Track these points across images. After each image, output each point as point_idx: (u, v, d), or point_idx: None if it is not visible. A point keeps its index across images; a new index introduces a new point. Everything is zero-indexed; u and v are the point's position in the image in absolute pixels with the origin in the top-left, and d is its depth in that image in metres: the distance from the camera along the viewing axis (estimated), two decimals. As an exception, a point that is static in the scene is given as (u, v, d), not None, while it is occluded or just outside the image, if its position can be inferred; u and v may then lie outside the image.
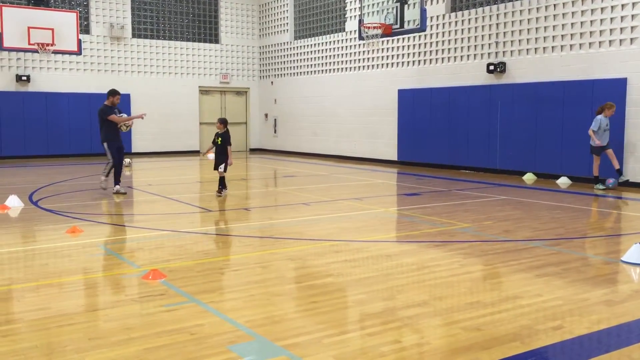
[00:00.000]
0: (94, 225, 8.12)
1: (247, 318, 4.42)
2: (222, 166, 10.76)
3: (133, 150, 21.38)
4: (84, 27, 20.44)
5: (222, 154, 10.82)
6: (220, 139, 10.83)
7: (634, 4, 12.21)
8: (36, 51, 17.23)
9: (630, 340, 4.11)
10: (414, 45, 17.16)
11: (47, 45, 16.84)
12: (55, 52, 17.76)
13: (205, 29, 23.03)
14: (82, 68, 20.54)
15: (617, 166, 11.90)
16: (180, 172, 16.41)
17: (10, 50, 17.52)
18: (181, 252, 6.64)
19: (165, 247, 6.87)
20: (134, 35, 21.50)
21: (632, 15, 12.23)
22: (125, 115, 11.37)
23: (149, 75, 21.80)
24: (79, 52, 18.18)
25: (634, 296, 5.01)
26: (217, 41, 23.23)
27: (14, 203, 9.68)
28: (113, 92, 11.18)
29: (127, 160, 16.01)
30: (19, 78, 19.28)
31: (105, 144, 11.03)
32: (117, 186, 11.13)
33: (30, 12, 17.12)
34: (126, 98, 21.17)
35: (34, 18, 16.89)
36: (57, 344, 3.93)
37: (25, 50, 17.64)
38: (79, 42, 17.90)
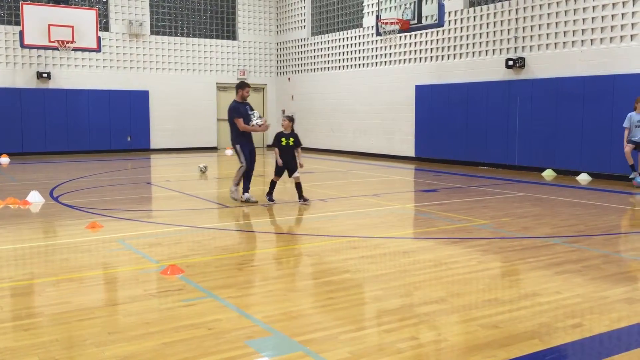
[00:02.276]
0: (114, 221, 8.20)
1: (265, 313, 4.44)
2: (297, 171, 9.55)
3: (151, 147, 21.56)
4: (103, 25, 20.62)
5: (293, 157, 9.53)
6: (291, 139, 9.51)
7: (656, -2, 12.01)
8: (56, 48, 17.44)
9: (651, 339, 4.05)
10: (431, 40, 17.06)
11: (67, 42, 17.04)
12: (75, 50, 17.95)
13: (222, 25, 23.11)
14: (102, 65, 20.73)
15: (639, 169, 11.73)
16: (197, 168, 16.49)
17: (31, 47, 17.74)
18: (199, 247, 6.68)
19: (183, 243, 6.92)
20: (152, 32, 21.65)
21: (655, 9, 12.03)
22: (254, 121, 9.67)
23: (167, 72, 21.93)
24: (98, 50, 18.35)
25: (655, 294, 4.94)
26: (234, 38, 23.29)
27: (35, 199, 9.81)
28: (241, 85, 9.75)
29: (202, 165, 14.68)
30: (39, 75, 19.51)
31: (237, 146, 9.63)
32: (247, 194, 9.76)
33: (50, 9, 17.32)
34: (144, 95, 21.35)
35: (54, 16, 17.09)
36: (77, 338, 3.98)
37: (45, 48, 17.87)
38: (99, 39, 18.08)
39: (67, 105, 20.06)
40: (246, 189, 9.80)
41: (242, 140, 9.66)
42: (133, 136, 21.16)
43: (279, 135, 9.62)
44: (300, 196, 9.63)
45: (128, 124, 21.03)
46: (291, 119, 9.71)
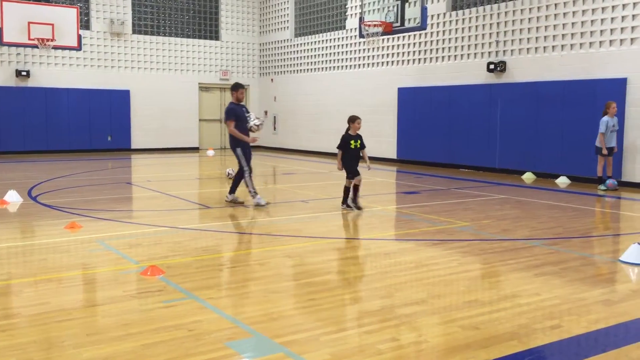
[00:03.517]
0: (93, 221, 8.12)
1: (245, 315, 4.42)
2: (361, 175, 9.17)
3: (132, 147, 21.39)
4: (84, 23, 20.41)
5: (358, 159, 9.21)
6: (359, 141, 9.18)
7: (634, 4, 12.20)
8: (36, 46, 17.21)
9: (628, 340, 4.11)
10: (414, 43, 17.15)
11: (47, 40, 16.82)
12: (55, 48, 17.73)
13: (205, 25, 23.01)
14: (82, 64, 20.51)
15: (609, 173, 11.89)
16: (179, 168, 16.40)
17: (10, 45, 17.48)
18: (180, 248, 6.64)
19: (163, 243, 6.87)
20: (134, 32, 21.48)
21: (633, 15, 12.21)
22: (252, 122, 9.60)
23: (149, 71, 21.77)
24: (79, 48, 18.15)
25: (632, 296, 5.02)
26: (217, 38, 23.20)
27: (13, 198, 9.68)
28: (235, 87, 9.58)
29: (229, 171, 13.43)
30: (18, 73, 19.25)
31: (238, 150, 9.41)
32: (232, 195, 9.73)
33: (30, 7, 17.08)
34: (125, 94, 21.17)
35: (34, 13, 16.85)
36: (56, 339, 3.94)
37: (25, 46, 17.63)
38: (79, 37, 17.88)
39: (46, 104, 19.82)
40: (233, 190, 9.72)
41: (243, 143, 9.42)
42: (114, 136, 20.97)
43: (347, 138, 9.16)
44: (355, 200, 9.15)
45: (108, 124, 20.83)
46: (359, 120, 9.20)
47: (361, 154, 9.25)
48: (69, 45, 17.67)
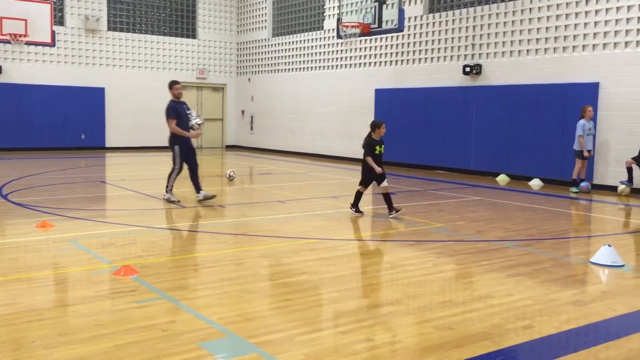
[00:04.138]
0: (66, 220, 8.00)
1: (220, 315, 4.40)
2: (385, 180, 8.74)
3: (107, 145, 21.13)
4: (58, 19, 20.10)
5: (381, 164, 8.79)
6: (383, 146, 8.74)
7: (607, 10, 12.42)
8: (8, 42, 16.86)
9: (597, 340, 4.18)
10: (391, 45, 17.23)
11: (20, 36, 16.52)
12: (28, 44, 17.41)
13: (182, 23, 22.83)
14: (56, 60, 20.20)
15: (582, 176, 12.11)
16: (154, 167, 16.23)
17: (-19, 40, 17.13)
18: (154, 248, 6.58)
19: (137, 243, 6.79)
20: (109, 28, 21.22)
21: (605, 21, 12.44)
22: (194, 120, 9.66)
23: (125, 69, 21.53)
24: (52, 44, 17.85)
25: (602, 297, 5.11)
26: (194, 36, 23.04)
27: (-17, 196, 9.49)
28: (170, 84, 9.66)
29: (230, 173, 12.88)
30: (-10, 69, 18.89)
31: (176, 148, 9.49)
32: (202, 192, 9.62)
33: (3, 1, 16.73)
34: (100, 92, 20.90)
35: (6, 8, 16.51)
36: (25, 340, 3.87)
37: (-3, 41, 17.29)
38: (53, 33, 17.58)
39: (19, 100, 19.47)
40: (198, 188, 9.70)
41: (180, 142, 9.50)
42: (88, 134, 20.69)
43: (372, 144, 8.67)
44: (391, 208, 8.70)
45: (83, 121, 20.54)
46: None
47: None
48: (42, 42, 17.36)
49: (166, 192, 9.67)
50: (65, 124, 20.26)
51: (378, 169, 8.56)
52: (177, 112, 9.46)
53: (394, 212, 8.67)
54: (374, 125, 8.69)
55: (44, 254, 6.28)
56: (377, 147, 8.65)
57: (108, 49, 21.13)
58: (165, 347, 3.77)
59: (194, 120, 9.62)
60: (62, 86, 20.12)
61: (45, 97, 19.85)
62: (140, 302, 4.66)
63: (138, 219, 8.27)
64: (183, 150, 9.55)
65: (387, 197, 8.72)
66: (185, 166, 9.68)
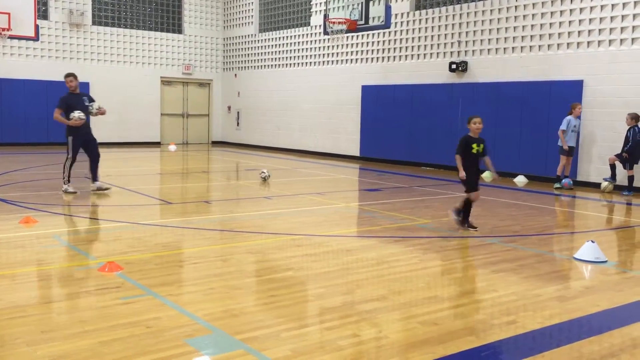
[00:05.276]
0: (49, 216, 7.92)
1: (206, 311, 4.38)
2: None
3: (91, 140, 20.93)
4: (42, 13, 19.87)
5: (479, 168, 7.70)
6: (482, 145, 7.67)
7: (591, 8, 12.53)
8: (-9, 35, 16.67)
9: (581, 336, 4.23)
10: (378, 42, 17.25)
11: (3, 30, 16.31)
12: (12, 37, 17.22)
13: (168, 18, 22.67)
14: (40, 55, 19.98)
15: (567, 173, 12.22)
16: (139, 163, 16.14)
17: (-37, 33, 16.90)
18: (139, 244, 6.54)
19: (122, 239, 6.75)
20: (94, 23, 21.02)
21: (590, 19, 12.55)
22: (76, 114, 9.76)
23: (110, 63, 21.35)
24: (36, 38, 17.67)
25: (585, 292, 5.16)
26: (180, 31, 22.89)
27: (-35, 192, 9.37)
28: (64, 77, 10.08)
29: (265, 172, 12.15)
30: (-28, 63, 18.65)
31: (70, 139, 9.90)
32: (98, 182, 10.14)
33: (-15, -6, 16.52)
34: (85, 87, 20.68)
35: (-11, 1, 16.31)
36: (8, 337, 3.83)
37: (-21, 35, 17.06)
38: (37, 27, 17.38)
39: (1, 95, 19.24)
40: (95, 178, 10.10)
41: (74, 133, 9.83)
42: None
43: (468, 141, 7.58)
44: (466, 218, 7.61)
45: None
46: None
47: (484, 161, 7.71)
48: (25, 35, 17.16)
49: (64, 183, 9.88)
50: (49, 120, 20.00)
51: (462, 173, 7.45)
52: (67, 103, 9.83)
53: (467, 224, 7.60)
54: (468, 121, 7.72)
55: (27, 250, 6.22)
56: (475, 146, 7.55)
57: (93, 43, 20.93)
58: (151, 344, 3.75)
59: (76, 114, 9.78)
60: (46, 81, 19.89)
61: (28, 92, 19.63)
62: (125, 298, 4.63)
63: (123, 214, 8.21)
64: (78, 141, 9.89)
65: (468, 206, 7.62)
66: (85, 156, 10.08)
